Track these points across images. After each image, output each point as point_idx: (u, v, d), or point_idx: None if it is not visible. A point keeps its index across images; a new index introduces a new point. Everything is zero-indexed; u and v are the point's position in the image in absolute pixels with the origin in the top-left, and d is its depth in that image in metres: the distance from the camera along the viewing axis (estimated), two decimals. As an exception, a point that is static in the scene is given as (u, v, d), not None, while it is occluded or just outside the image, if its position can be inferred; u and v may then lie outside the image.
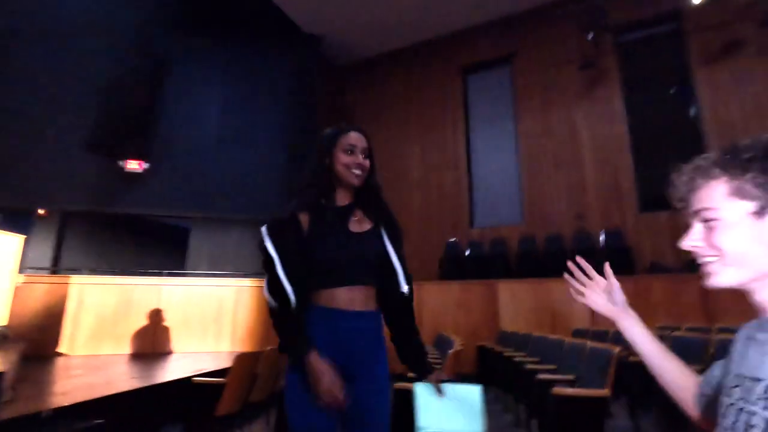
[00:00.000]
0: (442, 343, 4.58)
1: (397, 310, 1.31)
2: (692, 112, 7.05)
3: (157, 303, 5.97)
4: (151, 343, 5.80)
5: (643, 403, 3.35)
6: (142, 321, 5.83)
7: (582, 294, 0.98)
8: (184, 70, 8.17)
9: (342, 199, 1.35)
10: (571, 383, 2.52)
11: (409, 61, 9.41)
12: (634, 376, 3.28)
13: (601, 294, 0.96)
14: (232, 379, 2.67)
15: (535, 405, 2.78)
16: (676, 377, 0.85)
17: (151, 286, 6.07)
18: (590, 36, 7.24)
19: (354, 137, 1.36)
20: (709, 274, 0.67)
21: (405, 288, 1.30)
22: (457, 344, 3.22)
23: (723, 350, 2.70)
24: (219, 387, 2.70)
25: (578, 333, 4.74)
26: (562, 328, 5.13)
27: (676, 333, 3.52)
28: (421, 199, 8.57)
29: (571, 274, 1.00)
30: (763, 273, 0.63)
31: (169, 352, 5.79)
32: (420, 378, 1.22)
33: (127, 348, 5.67)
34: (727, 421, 0.65)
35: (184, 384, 3.30)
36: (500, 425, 3.70)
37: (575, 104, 7.67)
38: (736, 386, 0.66)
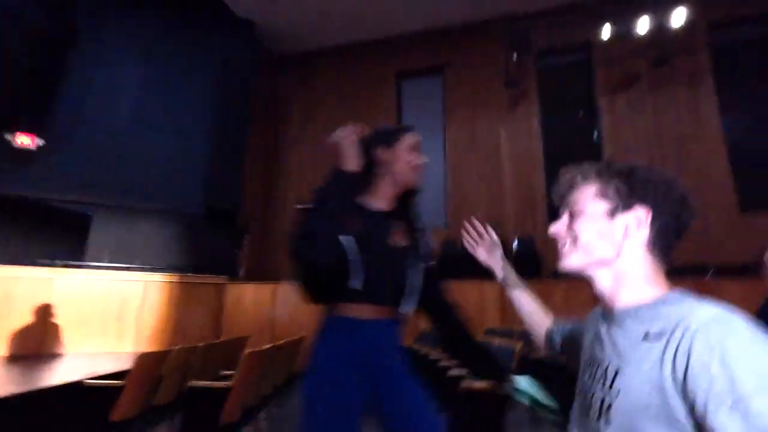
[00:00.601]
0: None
1: (443, 313, 1.30)
2: (595, 135, 7.89)
3: (48, 297, 5.31)
4: (38, 343, 5.13)
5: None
6: (28, 318, 5.14)
7: (473, 246, 1.26)
8: (98, 40, 7.36)
9: (380, 202, 1.27)
10: (480, 377, 2.67)
11: (346, 60, 9.38)
12: (536, 369, 3.58)
13: (486, 250, 1.27)
14: (131, 381, 2.46)
15: (446, 400, 2.91)
16: (536, 318, 1.12)
17: (40, 279, 5.37)
18: (515, 57, 7.79)
19: (418, 139, 1.33)
20: (562, 257, 0.79)
21: (407, 309, 1.25)
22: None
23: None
24: (116, 390, 2.47)
25: (489, 331, 5.07)
26: (476, 327, 5.44)
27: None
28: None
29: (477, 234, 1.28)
30: (600, 261, 0.75)
31: (61, 354, 5.17)
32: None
33: (3, 349, 4.95)
34: (580, 399, 0.76)
35: (74, 388, 2.96)
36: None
37: (499, 120, 8.19)
38: (587, 366, 0.77)
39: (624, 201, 0.73)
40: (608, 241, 0.74)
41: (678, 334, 0.59)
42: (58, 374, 3.83)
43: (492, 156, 8.06)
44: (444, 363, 3.28)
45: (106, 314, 5.60)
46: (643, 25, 6.96)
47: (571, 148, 7.99)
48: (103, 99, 7.17)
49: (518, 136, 8.03)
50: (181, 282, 6.25)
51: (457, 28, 8.73)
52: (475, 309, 5.70)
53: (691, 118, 7.23)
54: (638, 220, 0.72)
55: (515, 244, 7.28)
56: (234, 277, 6.95)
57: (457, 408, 2.44)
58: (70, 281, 5.53)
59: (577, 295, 5.48)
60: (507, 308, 5.63)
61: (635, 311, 0.70)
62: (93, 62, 7.25)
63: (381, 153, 1.29)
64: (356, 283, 1.16)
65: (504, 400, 2.28)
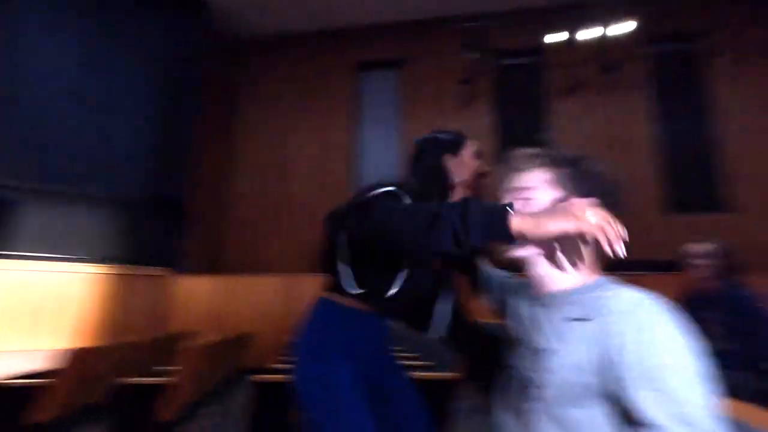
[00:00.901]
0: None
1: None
2: (545, 136, 8.23)
3: (-41, 290, 4.76)
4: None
5: (489, 383, 3.77)
6: (-67, 312, 4.59)
7: None
8: (28, 6, 6.66)
9: None
10: (431, 369, 2.70)
11: (304, 48, 9.15)
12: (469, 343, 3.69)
13: None
14: (57, 380, 2.25)
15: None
16: None
17: (-50, 269, 4.81)
18: (471, 55, 7.94)
19: (479, 146, 1.26)
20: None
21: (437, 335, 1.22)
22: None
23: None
24: (37, 390, 2.24)
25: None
26: (427, 320, 5.52)
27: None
28: (305, 191, 8.40)
29: None
30: (547, 248, 0.77)
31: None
32: None
33: None
34: (505, 379, 0.80)
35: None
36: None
37: (454, 116, 8.33)
38: (518, 345, 0.79)
39: (574, 191, 0.76)
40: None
41: (607, 316, 0.62)
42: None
43: (447, 152, 8.19)
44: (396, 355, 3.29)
45: (38, 308, 5.12)
46: (590, 33, 7.33)
47: (522, 145, 8.29)
48: (34, 71, 6.51)
49: (472, 133, 8.08)
50: (119, 274, 5.84)
51: (416, 23, 8.76)
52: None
53: (626, 123, 7.73)
54: (580, 211, 0.74)
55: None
56: (179, 269, 6.60)
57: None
58: (-11, 272, 5.00)
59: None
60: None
61: (568, 295, 0.72)
62: (23, 29, 6.56)
63: (449, 161, 1.24)
64: (393, 289, 1.10)
65: (453, 388, 2.32)
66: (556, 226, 0.67)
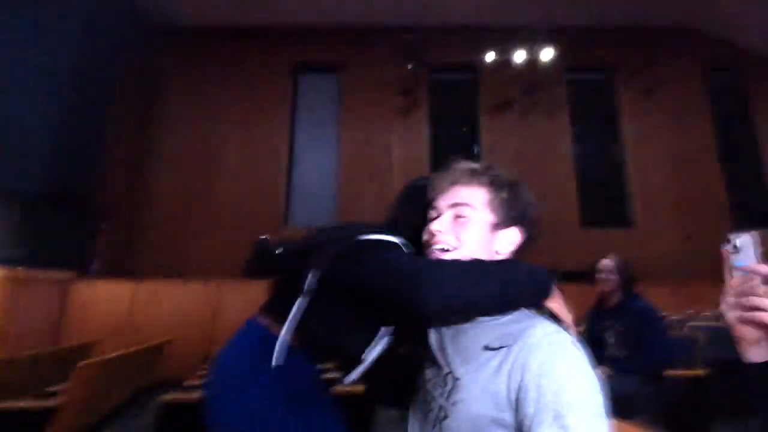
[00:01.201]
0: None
1: None
2: (475, 150, 8.63)
3: None
4: None
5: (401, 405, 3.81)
6: None
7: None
8: None
9: None
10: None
11: (237, 44, 8.75)
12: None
13: None
14: None
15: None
16: None
17: None
18: (409, 66, 8.12)
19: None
20: (435, 255, 0.78)
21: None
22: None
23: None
24: None
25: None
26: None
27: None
28: (235, 189, 8.01)
29: None
30: None
31: None
32: None
33: None
34: (419, 396, 0.76)
35: None
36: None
37: (392, 124, 8.44)
38: (430, 363, 0.76)
39: (507, 218, 0.75)
40: (485, 255, 0.75)
41: (516, 348, 0.62)
42: None
43: (382, 158, 8.27)
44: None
45: None
46: (518, 57, 7.83)
47: (454, 158, 8.61)
48: None
49: (408, 142, 8.38)
50: (8, 277, 5.11)
51: (356, 30, 8.78)
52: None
53: (549, 143, 8.36)
54: (511, 241, 0.76)
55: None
56: (84, 272, 5.94)
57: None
58: None
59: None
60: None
61: (481, 321, 0.71)
62: None
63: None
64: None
65: (372, 401, 2.30)
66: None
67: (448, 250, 0.76)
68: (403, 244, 0.93)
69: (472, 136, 8.75)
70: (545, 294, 0.72)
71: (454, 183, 0.80)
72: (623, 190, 8.35)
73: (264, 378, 0.96)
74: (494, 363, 0.63)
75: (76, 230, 6.30)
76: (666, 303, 5.67)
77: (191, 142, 8.15)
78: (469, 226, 0.75)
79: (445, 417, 0.64)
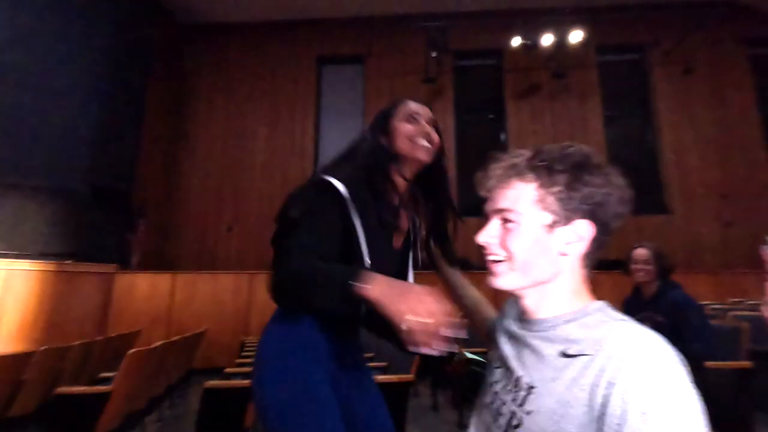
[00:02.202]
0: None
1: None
2: (502, 137, 8.47)
3: None
4: None
5: (441, 383, 3.86)
6: None
7: None
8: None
9: (402, 183, 1.09)
10: (384, 369, 2.72)
11: (263, 38, 8.86)
12: (437, 359, 3.76)
13: None
14: (-22, 391, 2.06)
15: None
16: (481, 308, 1.06)
17: None
18: (433, 54, 8.01)
19: (415, 106, 1.12)
20: (494, 274, 0.68)
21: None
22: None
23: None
24: (-43, 402, 2.05)
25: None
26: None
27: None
28: (263, 183, 8.18)
29: None
30: (538, 282, 0.66)
31: None
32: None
33: None
34: (487, 398, 0.70)
35: None
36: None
37: (416, 114, 8.38)
38: (498, 368, 0.71)
39: (566, 213, 0.63)
40: (547, 259, 0.65)
41: (600, 359, 0.54)
42: None
43: (408, 150, 8.24)
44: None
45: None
46: (546, 40, 7.59)
47: (481, 147, 8.50)
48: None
49: (433, 132, 8.30)
50: (57, 271, 5.44)
51: (380, 20, 8.72)
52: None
53: (580, 127, 8.10)
54: (579, 236, 0.64)
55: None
56: (125, 265, 6.24)
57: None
58: None
59: (481, 287, 5.86)
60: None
61: (555, 324, 0.63)
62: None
63: (382, 136, 1.10)
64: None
65: (406, 389, 2.34)
66: (392, 310, 0.70)
67: (501, 261, 0.68)
68: (347, 181, 0.96)
69: (498, 123, 8.59)
70: (346, 296, 0.75)
71: (495, 184, 0.69)
72: (659, 176, 8.02)
73: (301, 348, 1.00)
74: (572, 373, 0.56)
75: (117, 226, 6.62)
76: (707, 292, 5.46)
77: (221, 137, 8.36)
78: (518, 233, 0.65)
79: (519, 425, 0.59)
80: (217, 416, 2.09)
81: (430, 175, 1.12)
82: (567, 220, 0.64)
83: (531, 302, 0.68)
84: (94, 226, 6.43)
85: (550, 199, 0.64)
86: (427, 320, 0.68)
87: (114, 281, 5.84)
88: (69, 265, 5.59)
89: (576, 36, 7.50)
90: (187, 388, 4.66)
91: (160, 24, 7.93)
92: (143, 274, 6.03)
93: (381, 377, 2.37)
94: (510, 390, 0.64)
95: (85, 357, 2.96)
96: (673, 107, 8.08)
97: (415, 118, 1.11)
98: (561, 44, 7.62)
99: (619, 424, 0.49)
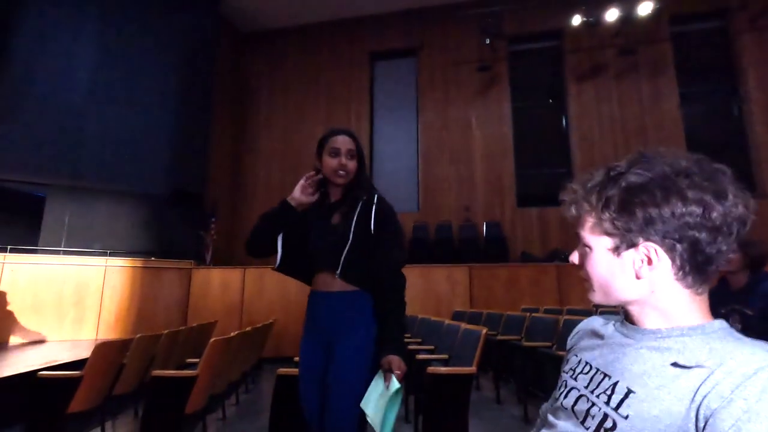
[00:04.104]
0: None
1: (377, 290, 1.45)
2: (563, 123, 8.05)
3: (-3, 284, 5.02)
4: (-12, 331, 4.87)
5: (505, 375, 3.80)
6: (-25, 305, 4.85)
7: None
8: (46, 6, 6.82)
9: (334, 195, 1.53)
10: (445, 362, 2.74)
11: (317, 39, 9.13)
12: (500, 352, 3.70)
13: None
14: (89, 371, 2.37)
15: (413, 382, 2.97)
16: None
17: (-12, 264, 5.07)
18: (488, 41, 7.79)
19: (339, 140, 1.48)
20: (589, 292, 0.70)
21: (348, 276, 1.44)
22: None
23: (569, 327, 3.20)
24: (73, 381, 2.37)
25: (458, 315, 5.18)
26: (445, 310, 5.55)
27: (536, 314, 4.05)
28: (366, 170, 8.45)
29: None
30: (626, 301, 0.65)
31: (14, 342, 4.93)
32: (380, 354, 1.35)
33: (-49, 338, 4.68)
34: (566, 400, 0.68)
35: (27, 378, 2.83)
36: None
37: (471, 103, 8.22)
38: (583, 373, 0.69)
39: (625, 237, 0.62)
40: (624, 282, 0.64)
41: (719, 374, 0.52)
42: (11, 364, 3.66)
43: (463, 139, 8.11)
44: (413, 347, 3.34)
45: (64, 300, 5.36)
46: (611, 15, 7.09)
47: (540, 133, 8.14)
48: (54, 71, 6.70)
49: (489, 120, 8.10)
50: (144, 267, 6.03)
51: (431, 10, 8.62)
52: (444, 293, 5.81)
53: (652, 106, 7.48)
54: (647, 258, 0.62)
55: (484, 229, 7.42)
56: (201, 261, 6.78)
57: (425, 390, 2.49)
58: (22, 266, 5.24)
59: (543, 279, 5.66)
60: (474, 292, 5.76)
61: (666, 334, 0.61)
62: (43, 29, 6.73)
63: (317, 161, 1.52)
64: (313, 253, 1.49)
65: (468, 382, 2.35)
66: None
67: (586, 282, 0.70)
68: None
69: (558, 107, 8.17)
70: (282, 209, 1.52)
71: (576, 213, 0.69)
72: (748, 156, 7.21)
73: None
74: (684, 383, 0.54)
75: (192, 225, 7.20)
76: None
77: (281, 138, 8.75)
78: (590, 258, 0.67)
79: (613, 428, 0.58)
80: (288, 399, 2.24)
81: (355, 188, 1.51)
82: (630, 244, 0.63)
83: (634, 312, 0.66)
84: (173, 225, 7.05)
85: (606, 225, 0.64)
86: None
87: (192, 276, 6.36)
88: (154, 261, 6.18)
89: (645, 8, 6.93)
90: (260, 375, 4.99)
91: (223, 35, 8.43)
92: (217, 269, 6.51)
93: (442, 369, 2.40)
94: (601, 391, 0.63)
95: (173, 344, 3.28)
96: (764, 77, 7.20)
97: (336, 153, 1.47)
98: (628, 18, 7.08)
99: None
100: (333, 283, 1.43)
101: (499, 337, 3.80)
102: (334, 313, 1.42)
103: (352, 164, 1.47)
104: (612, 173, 0.66)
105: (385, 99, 8.97)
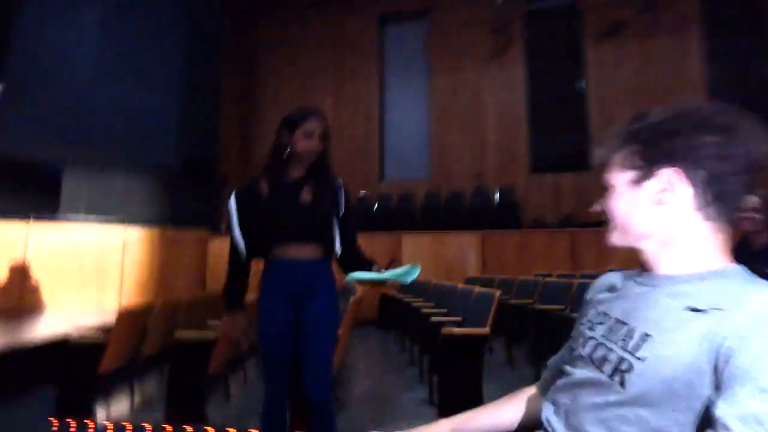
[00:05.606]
0: (344, 292, 4.71)
1: (346, 253, 1.69)
2: (580, 86, 7.78)
3: (23, 252, 5.18)
4: (17, 298, 5.07)
5: (517, 339, 3.86)
6: (2, 274, 5.04)
7: None
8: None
9: (297, 172, 1.64)
10: (458, 324, 2.78)
11: (326, 5, 8.82)
12: (513, 316, 3.75)
13: None
14: (114, 336, 2.47)
15: (427, 344, 3.04)
16: (519, 411, 0.83)
17: (12, 233, 5.22)
18: (501, 1, 7.45)
19: (314, 124, 1.62)
20: (608, 233, 0.72)
21: (338, 250, 1.67)
22: (360, 291, 3.34)
23: (582, 291, 3.20)
24: (100, 345, 2.48)
25: (470, 280, 5.23)
26: (457, 277, 5.60)
27: (549, 279, 4.06)
28: (332, 149, 8.39)
29: None
30: (641, 235, 0.67)
31: (41, 308, 5.14)
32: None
33: (-17, 305, 4.89)
34: (584, 350, 0.69)
35: (58, 342, 2.97)
36: (397, 363, 4.01)
37: (484, 67, 7.96)
38: (601, 323, 0.70)
39: (647, 164, 0.64)
40: (642, 214, 0.66)
41: (736, 315, 0.52)
42: (40, 330, 3.83)
43: (475, 104, 7.92)
44: (426, 310, 3.39)
45: (86, 269, 5.53)
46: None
47: (555, 97, 7.89)
48: (64, 41, 6.64)
49: (502, 84, 7.86)
50: (162, 236, 6.16)
51: (443, -32, 8.24)
52: (455, 259, 5.84)
53: (675, 67, 7.16)
54: (668, 184, 0.63)
55: (497, 195, 7.35)
56: (216, 230, 6.89)
57: (439, 351, 2.55)
58: (45, 236, 5.39)
59: (556, 245, 5.64)
60: (487, 258, 5.78)
61: (683, 279, 0.62)
62: (47, 5, 6.62)
63: (284, 137, 1.61)
64: (282, 227, 1.60)
65: (482, 343, 2.39)
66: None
67: (610, 222, 0.71)
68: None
69: (575, 70, 7.87)
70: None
71: (608, 158, 0.71)
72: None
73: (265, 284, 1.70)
74: (702, 325, 0.54)
75: (205, 195, 7.27)
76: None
77: (289, 107, 8.60)
78: (612, 195, 0.69)
79: (629, 369, 0.59)
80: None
81: (320, 167, 1.67)
82: (650, 172, 0.65)
83: (650, 256, 0.68)
84: (186, 196, 7.13)
85: (632, 155, 0.66)
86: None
87: (208, 244, 6.49)
88: (171, 230, 6.30)
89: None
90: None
91: (229, 4, 8.20)
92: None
93: (456, 330, 2.44)
94: (618, 337, 0.63)
95: (192, 309, 3.39)
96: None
97: (309, 135, 1.59)
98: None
99: (742, 378, 0.48)
100: (302, 251, 1.60)
101: (512, 301, 3.83)
102: (306, 277, 1.61)
103: (321, 146, 1.63)
104: (638, 115, 0.68)
105: (395, 64, 8.74)
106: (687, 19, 7.18)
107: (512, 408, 0.83)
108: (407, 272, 1.38)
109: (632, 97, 7.18)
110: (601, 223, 0.73)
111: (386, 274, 1.43)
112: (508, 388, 0.90)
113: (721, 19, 7.23)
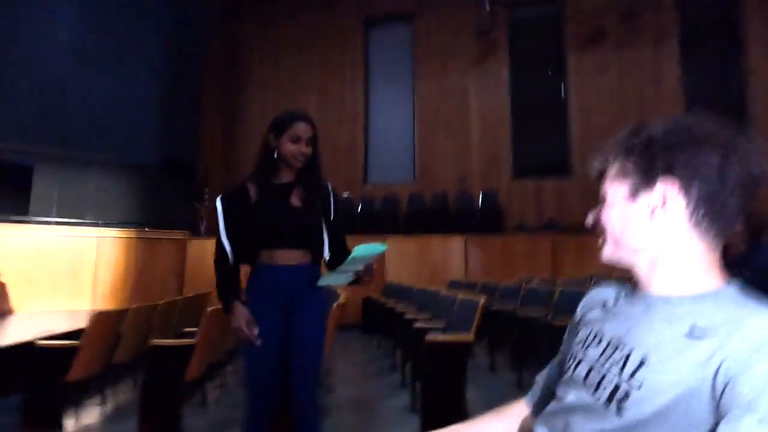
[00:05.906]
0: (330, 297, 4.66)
1: (335, 258, 1.67)
2: (562, 93, 7.92)
3: (-11, 255, 4.96)
4: (-18, 302, 4.84)
5: (499, 344, 3.87)
6: (-33, 276, 4.81)
7: None
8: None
9: (287, 176, 1.62)
10: (442, 330, 2.77)
11: (310, 3, 8.75)
12: (495, 322, 3.76)
13: None
14: (87, 341, 2.36)
15: (411, 350, 3.02)
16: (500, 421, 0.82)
17: (-22, 235, 4.99)
18: (486, 6, 7.53)
19: (302, 128, 1.58)
20: (600, 248, 0.70)
21: (327, 255, 1.67)
22: (342, 296, 3.30)
23: (565, 298, 3.24)
24: (71, 349, 2.37)
25: (454, 284, 5.23)
26: (440, 280, 5.60)
27: (530, 284, 4.09)
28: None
29: None
30: (634, 249, 0.66)
31: (8, 312, 4.92)
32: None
33: (-55, 309, 4.65)
34: (577, 373, 0.67)
35: (25, 348, 2.83)
36: (378, 369, 3.97)
37: (468, 72, 8.02)
38: (594, 345, 0.68)
39: (643, 177, 0.63)
40: (635, 227, 0.65)
41: (734, 343, 0.51)
42: (7, 334, 3.65)
43: (459, 108, 7.97)
44: (410, 316, 3.37)
45: (57, 271, 5.33)
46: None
47: (538, 103, 8.01)
48: (36, 33, 6.39)
49: (487, 89, 7.94)
50: (139, 237, 5.98)
51: (428, -28, 8.28)
52: (440, 262, 5.85)
53: (654, 76, 7.36)
54: (664, 197, 0.62)
55: (480, 199, 7.40)
56: (195, 232, 6.73)
57: (423, 357, 2.53)
58: (14, 237, 5.16)
59: (538, 250, 5.71)
60: (470, 262, 5.80)
61: (679, 302, 0.61)
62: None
63: (272, 140, 1.60)
64: (271, 231, 1.57)
65: (466, 350, 2.38)
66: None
67: (602, 236, 0.70)
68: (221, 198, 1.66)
69: (558, 77, 8.01)
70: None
71: (597, 174, 0.70)
72: (753, 128, 7.17)
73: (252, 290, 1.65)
74: (700, 352, 0.54)
75: (185, 195, 7.10)
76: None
77: (273, 108, 8.51)
78: (606, 208, 0.68)
79: (626, 396, 0.58)
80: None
81: (309, 172, 1.64)
82: (647, 184, 0.63)
83: (642, 274, 0.66)
84: (165, 196, 6.94)
85: (628, 168, 0.65)
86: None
87: (187, 247, 6.33)
88: (148, 232, 6.12)
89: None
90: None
91: (212, 3, 8.06)
92: (211, 240, 6.47)
93: (440, 337, 2.42)
94: (613, 362, 0.62)
95: (169, 314, 3.29)
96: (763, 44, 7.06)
97: (297, 140, 1.57)
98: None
99: (744, 408, 0.46)
100: (291, 256, 1.58)
101: (495, 307, 3.84)
102: (296, 283, 1.59)
103: (309, 150, 1.60)
104: (637, 127, 0.67)
105: (380, 67, 8.73)
106: (666, 30, 7.38)
107: (500, 423, 0.81)
108: (373, 249, 1.40)
109: (612, 105, 7.34)
110: (582, 228, 0.71)
111: (348, 260, 1.42)
112: (491, 394, 0.89)
113: (700, 30, 7.47)
